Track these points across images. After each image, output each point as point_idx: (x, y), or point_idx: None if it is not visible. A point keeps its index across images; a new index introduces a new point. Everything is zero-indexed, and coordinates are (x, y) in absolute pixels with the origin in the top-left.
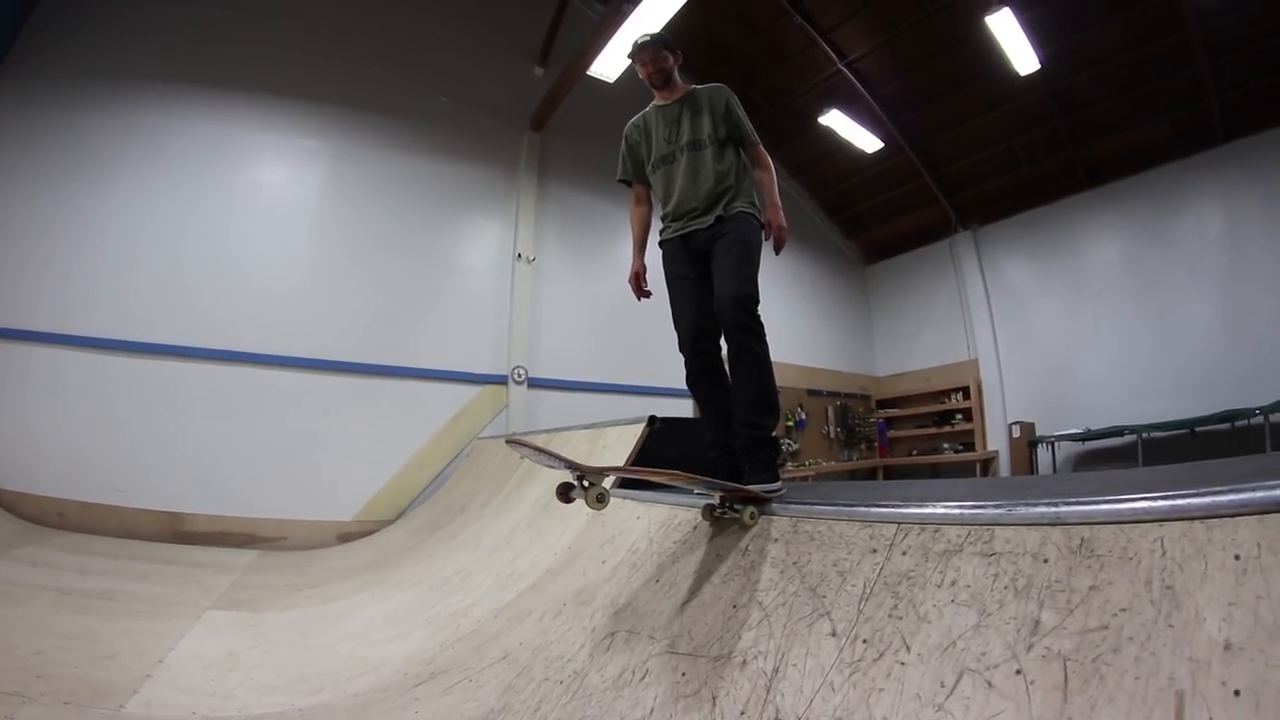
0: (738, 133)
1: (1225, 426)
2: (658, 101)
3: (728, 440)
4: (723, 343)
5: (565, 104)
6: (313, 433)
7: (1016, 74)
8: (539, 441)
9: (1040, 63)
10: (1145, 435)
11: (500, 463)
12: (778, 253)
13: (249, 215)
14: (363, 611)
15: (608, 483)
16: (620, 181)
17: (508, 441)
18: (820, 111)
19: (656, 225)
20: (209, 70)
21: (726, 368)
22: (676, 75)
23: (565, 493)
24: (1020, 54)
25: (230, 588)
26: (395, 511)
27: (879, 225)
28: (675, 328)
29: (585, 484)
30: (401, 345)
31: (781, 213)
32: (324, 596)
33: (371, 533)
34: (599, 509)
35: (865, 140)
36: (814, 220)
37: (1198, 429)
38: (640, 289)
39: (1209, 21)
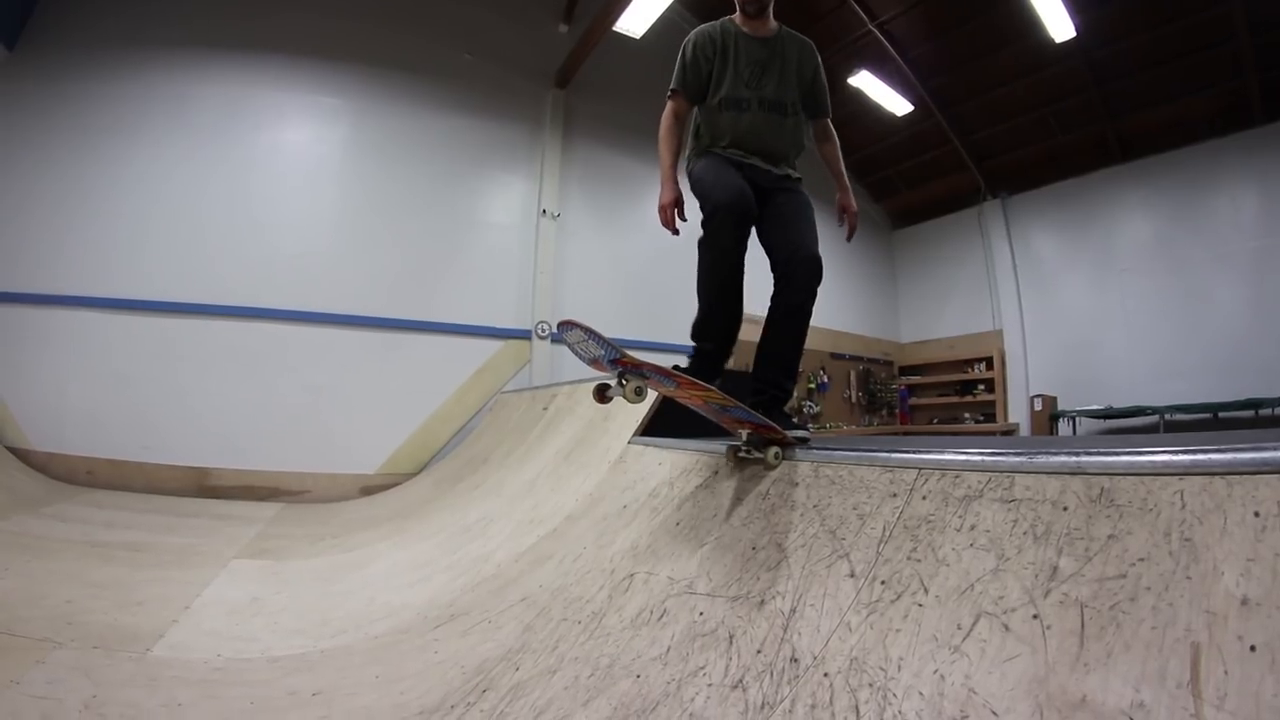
0: (819, 104)
1: (1249, 413)
2: (744, 28)
3: (725, 346)
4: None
5: (590, 60)
6: (336, 388)
7: (1051, 41)
8: (563, 393)
9: (1075, 30)
10: (1167, 416)
11: (523, 416)
12: (849, 240)
13: (271, 174)
14: (384, 559)
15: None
16: (671, 92)
17: (560, 323)
18: (849, 72)
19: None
20: (228, 32)
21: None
22: (771, 7)
23: (602, 393)
24: (1055, 20)
25: (255, 538)
26: (417, 465)
27: (907, 190)
28: (714, 195)
29: (624, 380)
30: (425, 301)
31: (853, 197)
32: (346, 545)
33: (394, 485)
34: (636, 401)
35: (895, 103)
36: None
37: (1220, 413)
38: (673, 220)
39: None
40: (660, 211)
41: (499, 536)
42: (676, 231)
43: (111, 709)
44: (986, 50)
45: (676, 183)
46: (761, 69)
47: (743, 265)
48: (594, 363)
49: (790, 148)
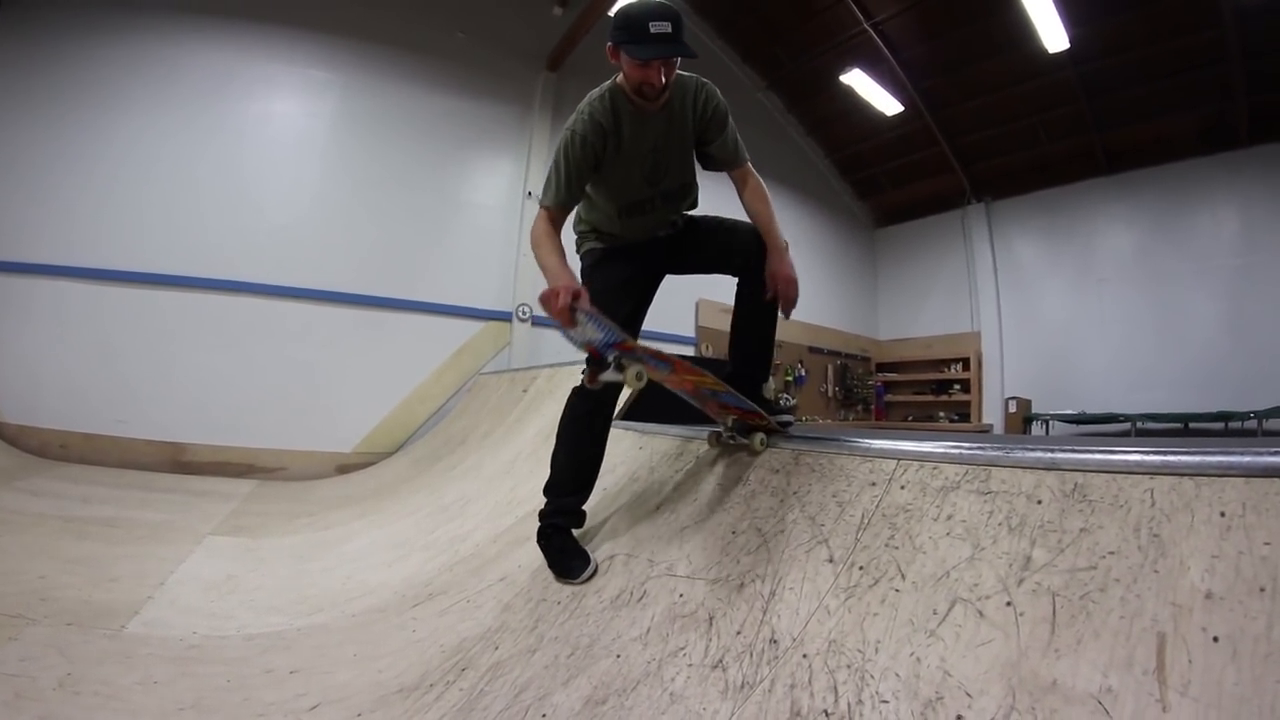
0: (728, 157)
1: (1219, 425)
2: (633, 106)
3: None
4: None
5: (583, 44)
6: (314, 364)
7: (1044, 51)
8: (543, 375)
9: (1069, 42)
10: (1139, 424)
11: (502, 397)
12: (787, 316)
13: (258, 146)
14: (361, 538)
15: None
16: (544, 207)
17: (572, 305)
18: (842, 70)
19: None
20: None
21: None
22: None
23: (595, 375)
24: (1050, 31)
25: (230, 515)
26: (394, 444)
27: (892, 189)
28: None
29: (622, 365)
30: (407, 279)
31: (790, 261)
32: (323, 524)
33: (370, 464)
34: (637, 387)
35: (885, 103)
36: (827, 179)
37: (1191, 424)
38: (567, 311)
39: (1248, 23)
40: (544, 301)
41: (477, 517)
42: (573, 323)
43: (86, 686)
44: (980, 56)
45: (569, 273)
46: (659, 155)
47: (605, 436)
48: (587, 346)
49: (687, 211)
